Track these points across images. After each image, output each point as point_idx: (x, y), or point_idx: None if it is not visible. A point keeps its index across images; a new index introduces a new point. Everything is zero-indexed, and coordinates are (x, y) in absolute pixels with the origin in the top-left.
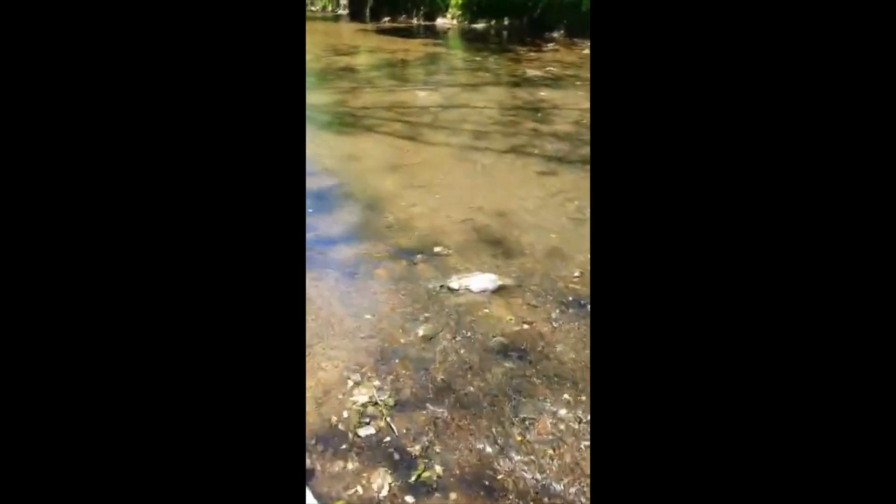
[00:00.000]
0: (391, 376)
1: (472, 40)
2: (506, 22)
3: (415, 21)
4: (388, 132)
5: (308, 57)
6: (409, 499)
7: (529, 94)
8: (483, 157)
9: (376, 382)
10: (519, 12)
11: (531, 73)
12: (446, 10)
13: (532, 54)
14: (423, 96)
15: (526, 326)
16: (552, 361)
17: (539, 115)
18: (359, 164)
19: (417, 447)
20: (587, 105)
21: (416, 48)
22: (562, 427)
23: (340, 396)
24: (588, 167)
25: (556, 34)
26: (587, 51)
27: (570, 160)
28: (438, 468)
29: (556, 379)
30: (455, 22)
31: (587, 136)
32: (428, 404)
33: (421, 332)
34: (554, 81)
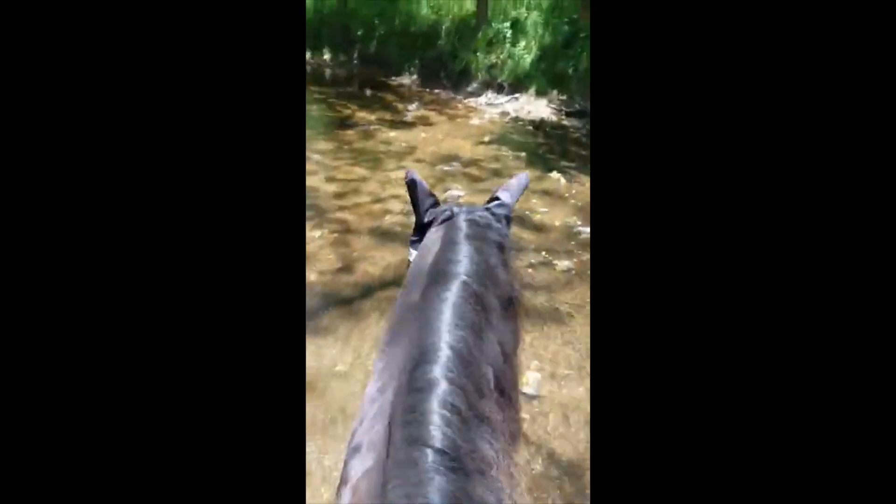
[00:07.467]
0: None
1: None
2: (326, 56)
3: None
4: None
5: None
6: None
7: None
8: None
9: None
10: (345, 47)
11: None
12: None
13: (394, 133)
14: None
15: None
16: None
17: None
18: None
19: None
20: None
21: None
22: None
23: None
24: None
25: (406, 80)
26: (486, 116)
27: None
28: None
29: None
30: None
31: None
32: None
33: None
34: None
